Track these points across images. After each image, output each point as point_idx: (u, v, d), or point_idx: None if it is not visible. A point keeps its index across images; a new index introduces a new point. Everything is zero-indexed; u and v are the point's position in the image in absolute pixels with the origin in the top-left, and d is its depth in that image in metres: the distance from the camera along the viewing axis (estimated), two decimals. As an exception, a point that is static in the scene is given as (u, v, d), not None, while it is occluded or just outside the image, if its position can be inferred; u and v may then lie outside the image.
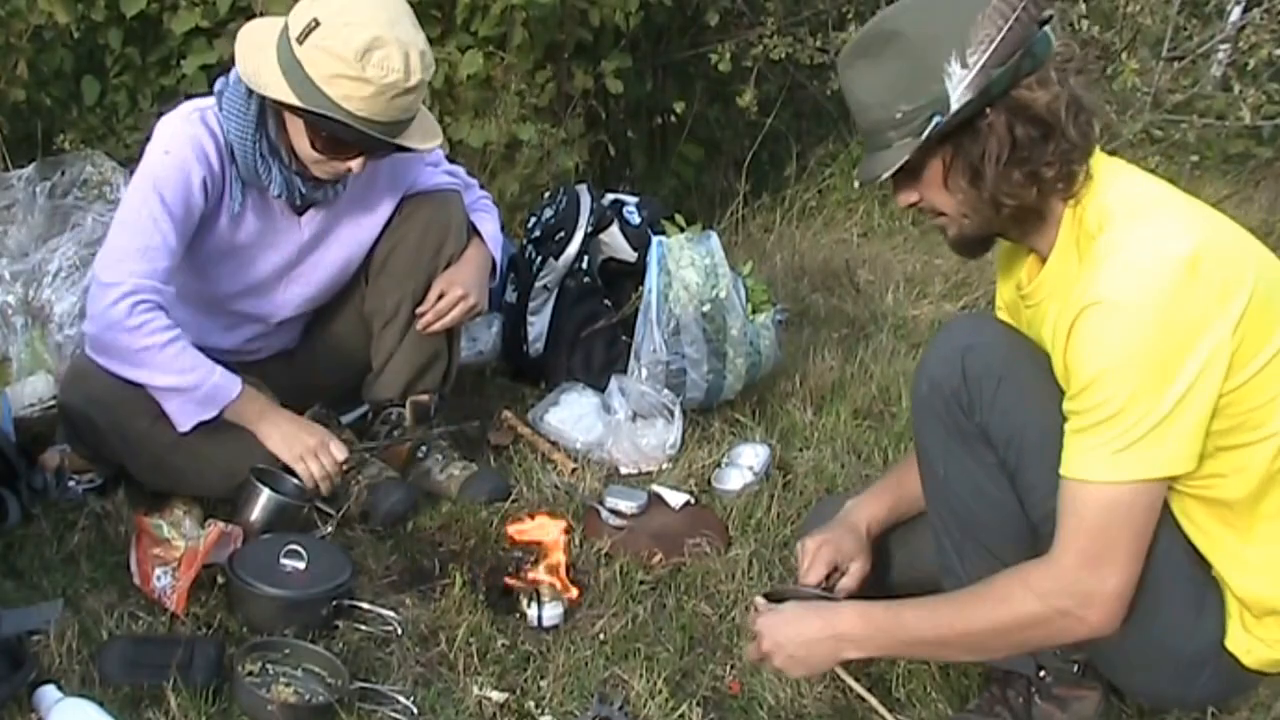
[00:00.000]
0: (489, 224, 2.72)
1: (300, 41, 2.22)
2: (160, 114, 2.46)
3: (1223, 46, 5.25)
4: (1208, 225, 1.77)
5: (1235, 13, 5.31)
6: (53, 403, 2.63)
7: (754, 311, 3.12)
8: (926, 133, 1.72)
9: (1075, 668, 1.95)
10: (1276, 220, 5.02)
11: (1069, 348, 1.72)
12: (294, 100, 2.23)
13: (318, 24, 2.21)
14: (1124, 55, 4.62)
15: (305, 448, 2.37)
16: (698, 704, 2.01)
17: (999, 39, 1.68)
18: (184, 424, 2.30)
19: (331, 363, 2.71)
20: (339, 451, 2.40)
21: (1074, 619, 1.70)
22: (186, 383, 2.28)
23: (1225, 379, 1.66)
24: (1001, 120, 1.72)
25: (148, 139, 2.39)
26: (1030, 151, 1.73)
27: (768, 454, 2.85)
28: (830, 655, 1.87)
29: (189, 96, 2.98)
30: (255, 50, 2.30)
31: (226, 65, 3.16)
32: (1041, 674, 1.98)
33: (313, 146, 2.32)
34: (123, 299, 2.24)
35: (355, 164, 2.35)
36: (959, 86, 1.70)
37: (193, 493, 2.39)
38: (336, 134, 2.27)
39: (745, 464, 2.80)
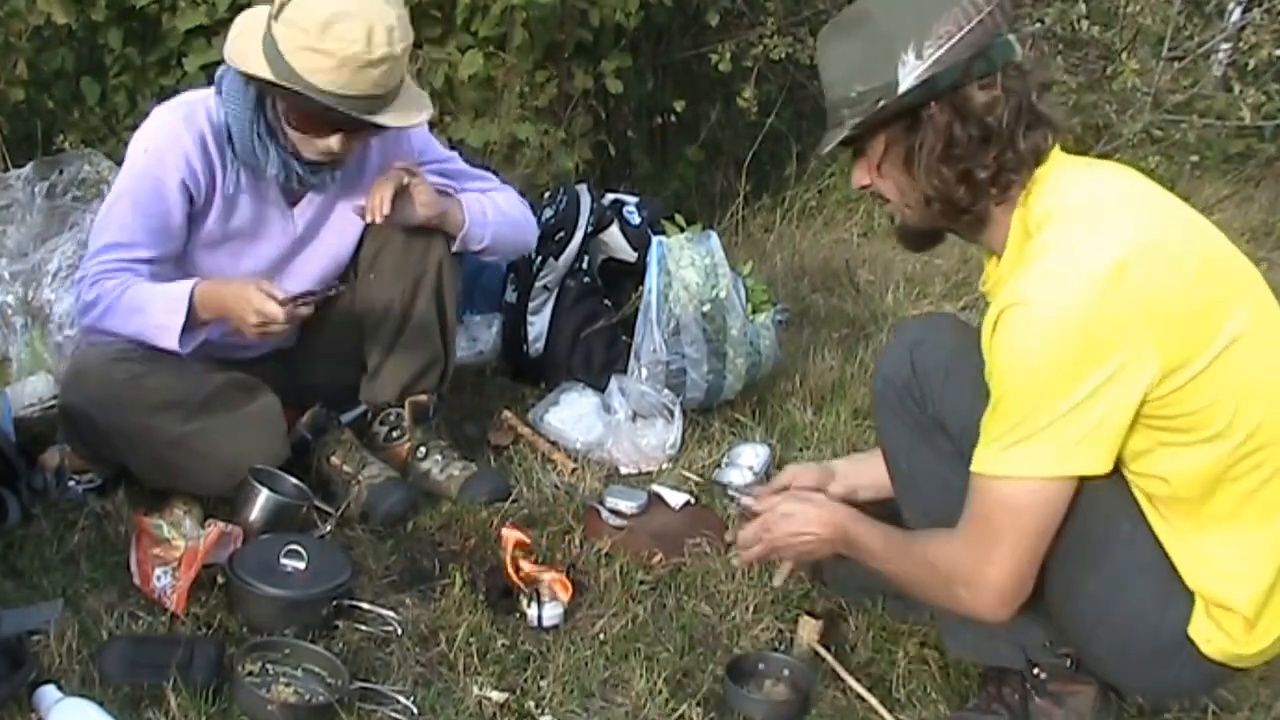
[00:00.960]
0: (488, 197, 2.68)
1: (276, 17, 2.26)
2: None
3: (1223, 46, 5.26)
4: (1150, 230, 1.78)
5: (1235, 13, 5.31)
6: (53, 403, 2.63)
7: (754, 311, 3.12)
8: (869, 114, 1.79)
9: (1068, 662, 1.95)
10: (1276, 220, 5.02)
11: (990, 345, 1.77)
12: (264, 73, 2.26)
13: None
14: (1124, 55, 4.62)
15: (243, 315, 2.28)
16: (698, 704, 2.01)
17: (957, 36, 1.74)
18: (174, 344, 2.30)
19: (327, 362, 2.70)
20: (275, 311, 2.26)
21: (961, 593, 1.81)
22: (146, 314, 2.31)
23: (1159, 383, 1.68)
24: (943, 116, 1.77)
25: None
26: (965, 151, 1.78)
27: (768, 454, 2.85)
28: (809, 540, 2.01)
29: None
30: (245, 33, 2.34)
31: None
32: (1035, 671, 1.98)
33: (288, 123, 2.35)
34: (86, 287, 2.36)
35: (333, 141, 2.34)
36: (909, 75, 1.76)
37: (194, 490, 2.39)
38: (305, 108, 2.29)
39: (745, 464, 2.80)
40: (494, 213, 2.66)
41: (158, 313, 2.31)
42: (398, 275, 2.60)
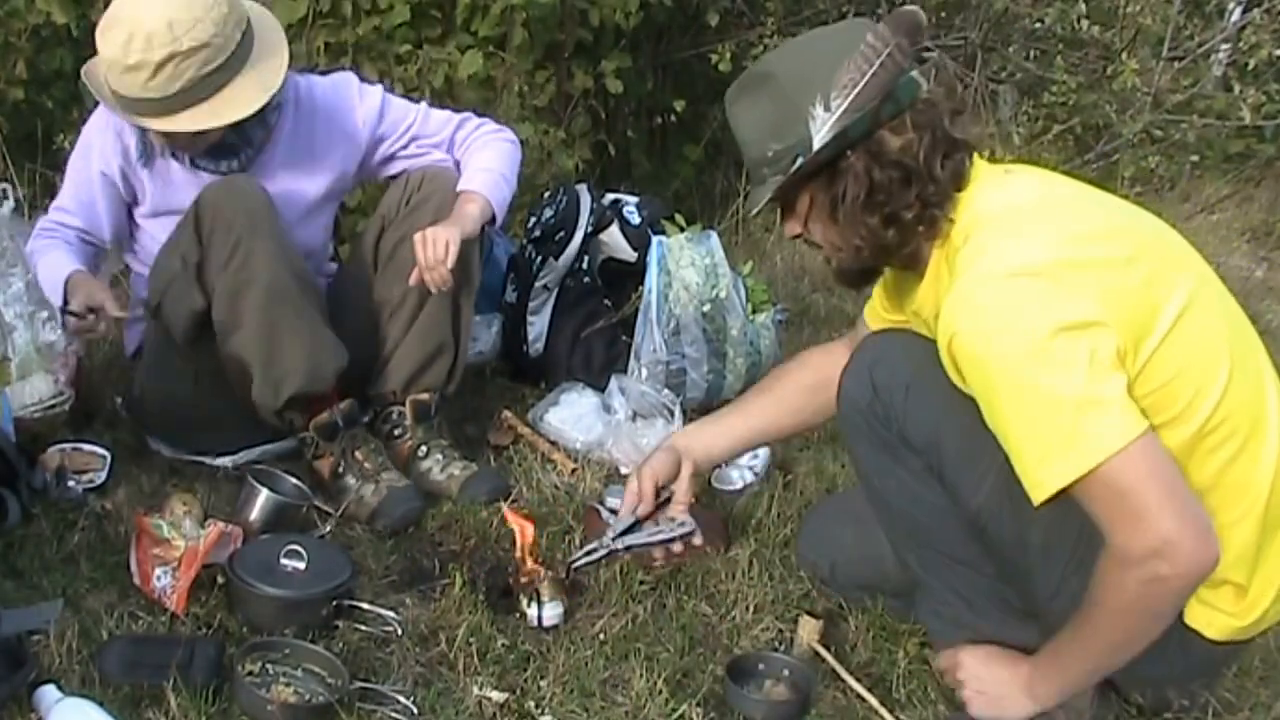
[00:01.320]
0: (484, 160, 2.69)
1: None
2: None
3: (1223, 46, 5.26)
4: (1073, 223, 1.80)
5: (1235, 13, 5.32)
6: (53, 403, 2.63)
7: (754, 311, 3.12)
8: (790, 172, 1.80)
9: None
10: (1276, 220, 5.02)
11: (963, 376, 1.76)
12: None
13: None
14: (1124, 55, 4.62)
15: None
16: (698, 704, 2.01)
17: (862, 84, 1.74)
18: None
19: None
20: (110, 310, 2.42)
21: (1162, 570, 1.65)
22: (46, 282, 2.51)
23: (1129, 356, 1.68)
24: (861, 164, 1.79)
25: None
26: (888, 195, 1.79)
27: (768, 454, 2.85)
28: (1019, 704, 1.90)
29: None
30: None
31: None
32: None
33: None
34: (33, 235, 2.60)
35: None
36: (821, 129, 1.77)
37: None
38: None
39: (745, 464, 2.80)
40: (503, 177, 2.69)
41: (48, 287, 2.50)
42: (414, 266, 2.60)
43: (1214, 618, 1.83)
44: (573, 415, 2.94)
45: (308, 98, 2.64)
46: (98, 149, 2.57)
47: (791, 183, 1.83)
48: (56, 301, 2.46)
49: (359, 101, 2.69)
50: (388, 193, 2.72)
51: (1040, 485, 1.69)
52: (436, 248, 2.46)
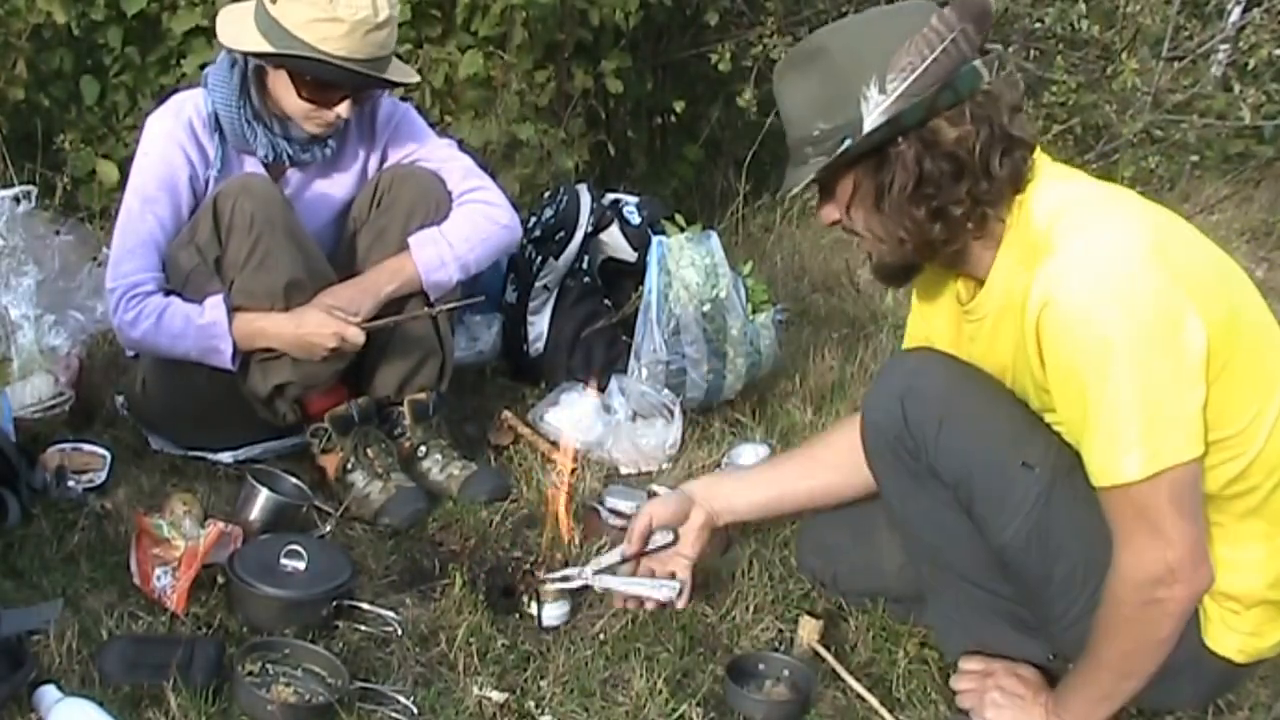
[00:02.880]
0: (451, 229, 2.62)
1: (274, 1, 2.38)
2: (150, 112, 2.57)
3: (1222, 46, 5.25)
4: (1156, 220, 1.77)
5: (1235, 13, 5.31)
6: (53, 403, 2.63)
7: (754, 311, 3.12)
8: (836, 154, 1.72)
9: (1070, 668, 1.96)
10: (1276, 220, 5.02)
11: (1044, 353, 1.70)
12: (269, 48, 2.39)
13: None
14: (1124, 55, 4.62)
15: (321, 343, 2.42)
16: (698, 704, 2.01)
17: (921, 69, 1.67)
18: (227, 365, 2.45)
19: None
20: (355, 335, 2.43)
21: (1167, 597, 1.68)
22: (191, 337, 2.43)
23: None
24: (911, 152, 1.71)
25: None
26: (938, 188, 1.72)
27: (768, 454, 2.84)
28: None
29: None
30: (233, 23, 2.48)
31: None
32: (1050, 656, 2.00)
33: (300, 96, 2.46)
34: (117, 303, 2.47)
35: (343, 108, 2.47)
36: (874, 112, 1.69)
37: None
38: (321, 76, 2.42)
39: (745, 464, 2.80)
40: (456, 260, 2.60)
41: (198, 341, 2.43)
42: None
43: (1245, 642, 1.83)
44: (573, 415, 2.93)
45: None
46: (178, 158, 2.51)
47: (836, 165, 1.74)
48: (226, 347, 2.41)
49: (381, 101, 2.71)
50: (358, 196, 2.70)
51: (1105, 472, 1.68)
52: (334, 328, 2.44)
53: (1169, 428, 1.64)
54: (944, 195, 1.73)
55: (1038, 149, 1.80)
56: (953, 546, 1.96)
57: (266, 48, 2.40)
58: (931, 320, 2.06)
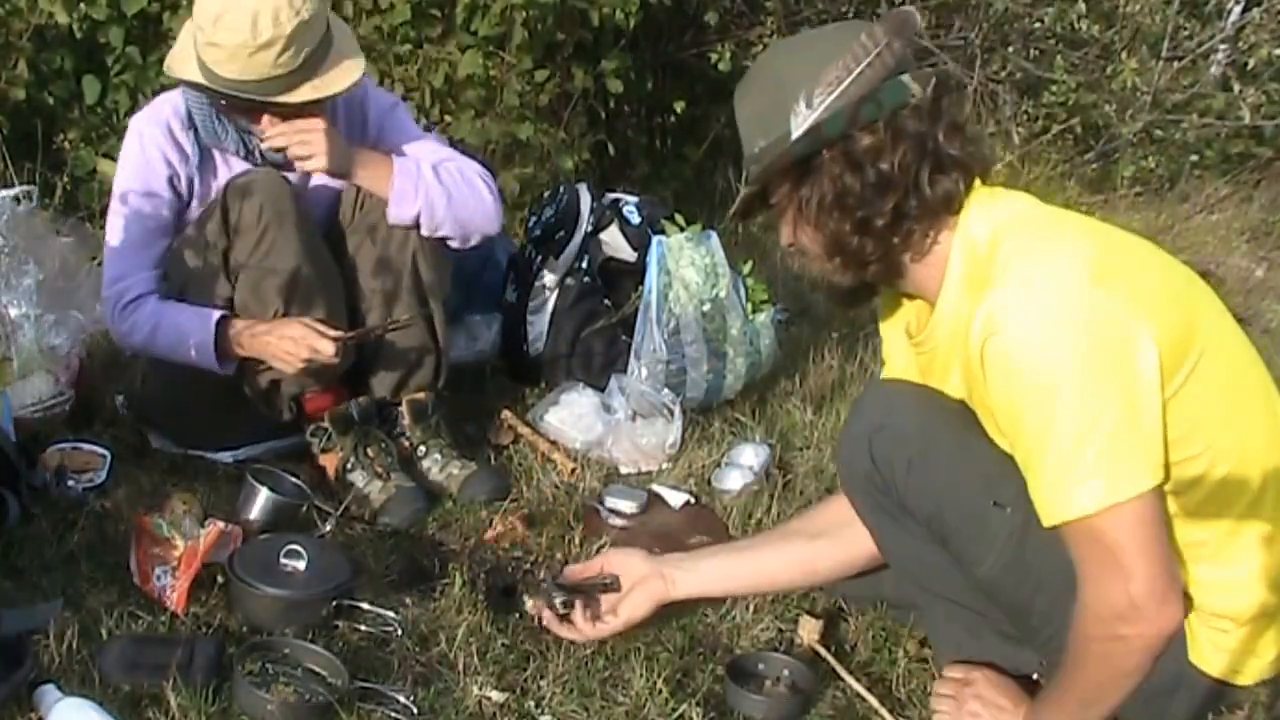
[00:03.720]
0: (429, 174, 2.58)
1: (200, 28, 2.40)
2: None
3: (1222, 46, 5.26)
4: (1100, 241, 1.75)
5: (1235, 12, 5.32)
6: (53, 402, 2.63)
7: (754, 311, 3.12)
8: (765, 168, 1.74)
9: None
10: (1276, 220, 5.02)
11: (989, 385, 1.67)
12: (186, 76, 2.44)
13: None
14: (1124, 55, 4.62)
15: (292, 358, 2.44)
16: (698, 704, 2.01)
17: (846, 82, 1.68)
18: (218, 369, 2.48)
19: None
20: (326, 349, 2.43)
21: (1127, 632, 1.63)
22: (185, 348, 2.47)
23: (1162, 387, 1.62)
24: (834, 165, 1.71)
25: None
26: (859, 199, 1.72)
27: (768, 454, 2.85)
28: None
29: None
30: (180, 44, 2.50)
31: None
32: (1034, 677, 1.99)
33: (227, 114, 2.50)
34: (112, 310, 2.54)
35: (264, 123, 2.46)
36: (800, 125, 1.71)
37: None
38: (227, 100, 2.44)
39: (745, 464, 2.80)
40: (431, 178, 2.57)
41: (190, 348, 2.47)
42: (375, 275, 2.61)
43: (1244, 664, 1.81)
44: (573, 415, 2.93)
45: None
46: (156, 162, 2.54)
47: (767, 178, 1.77)
48: (211, 359, 2.46)
49: (373, 101, 2.72)
50: (344, 194, 2.68)
51: (1053, 511, 1.63)
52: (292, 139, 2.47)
53: (1125, 456, 1.60)
54: (866, 208, 1.72)
55: (978, 175, 1.78)
56: (934, 575, 1.97)
57: (177, 73, 2.46)
58: (892, 352, 2.06)
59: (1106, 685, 1.69)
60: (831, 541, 2.11)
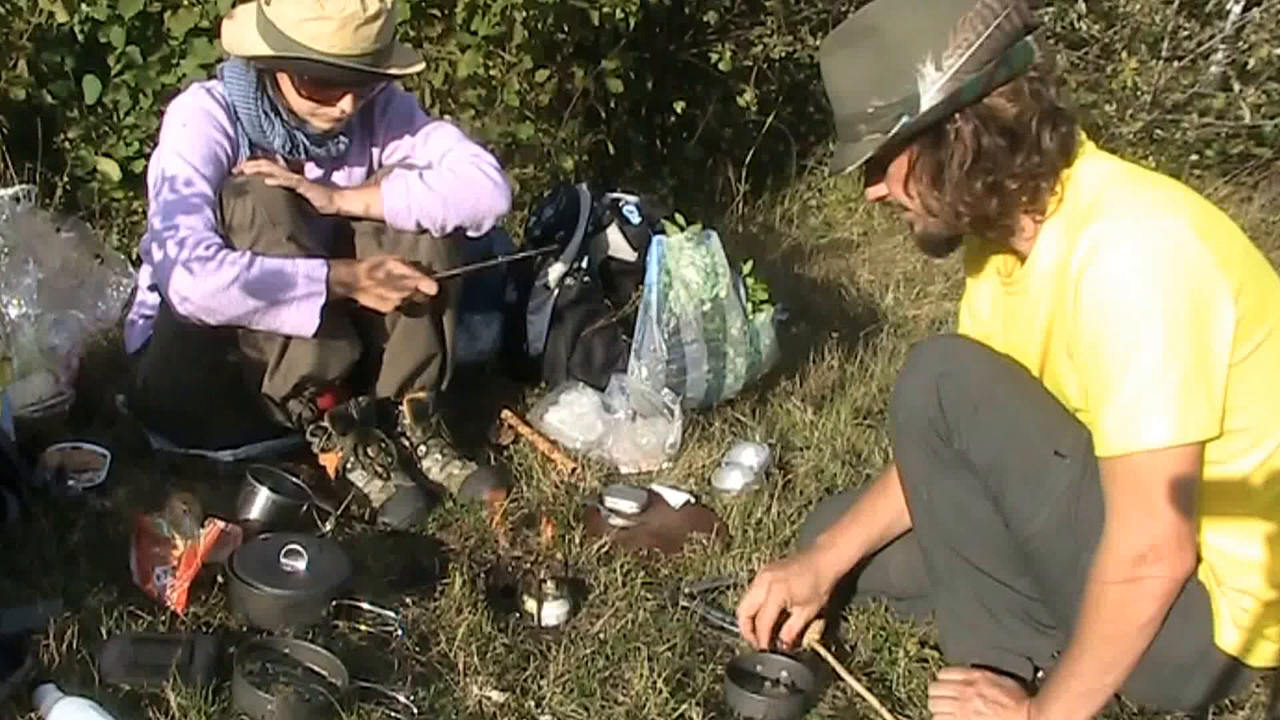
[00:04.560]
0: (433, 180, 2.62)
1: (268, 2, 2.42)
2: (163, 113, 2.57)
3: (1222, 46, 5.26)
4: (1199, 201, 1.80)
5: (1235, 12, 5.31)
6: (53, 402, 2.63)
7: (754, 311, 3.12)
8: (894, 131, 1.73)
9: None
10: (1276, 220, 5.02)
11: (1078, 313, 1.71)
12: (267, 50, 2.42)
13: None
14: (1124, 54, 4.62)
15: (395, 294, 2.51)
16: (698, 704, 2.01)
17: (976, 45, 1.68)
18: (309, 325, 2.45)
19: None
20: (429, 286, 2.53)
21: (1150, 578, 1.69)
22: (282, 286, 2.41)
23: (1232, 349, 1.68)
24: (969, 127, 1.73)
25: (156, 141, 2.57)
26: (995, 162, 1.74)
27: (768, 454, 2.85)
28: None
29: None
30: (235, 26, 2.51)
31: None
32: (1038, 674, 1.99)
33: (300, 94, 2.50)
34: (193, 246, 2.38)
35: (345, 103, 2.51)
36: (931, 89, 1.70)
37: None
38: (317, 75, 2.45)
39: (745, 464, 2.80)
40: (420, 190, 2.59)
41: (296, 286, 2.42)
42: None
43: (1258, 644, 1.83)
44: (573, 415, 2.93)
45: None
46: (212, 125, 2.53)
47: (894, 142, 1.75)
48: (320, 292, 2.43)
49: (391, 99, 2.75)
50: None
51: (1120, 440, 1.69)
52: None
53: (1195, 402, 1.66)
54: (1000, 170, 1.75)
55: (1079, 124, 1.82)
56: (974, 536, 1.96)
57: (264, 50, 2.43)
58: (975, 299, 2.07)
59: (1121, 640, 1.73)
60: None
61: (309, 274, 2.43)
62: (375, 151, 2.75)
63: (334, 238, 2.69)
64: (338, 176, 2.72)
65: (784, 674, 2.10)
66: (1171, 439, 1.66)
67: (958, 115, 1.72)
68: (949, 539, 2.00)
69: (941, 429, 1.92)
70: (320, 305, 2.43)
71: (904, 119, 1.72)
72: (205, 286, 2.37)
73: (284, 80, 2.51)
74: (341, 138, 2.64)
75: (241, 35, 2.48)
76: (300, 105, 2.52)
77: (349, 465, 2.56)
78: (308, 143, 2.60)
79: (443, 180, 2.63)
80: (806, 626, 2.15)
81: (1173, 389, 1.65)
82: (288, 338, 2.48)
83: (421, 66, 2.63)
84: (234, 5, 3.40)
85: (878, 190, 1.86)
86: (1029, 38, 1.73)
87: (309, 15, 2.38)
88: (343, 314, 2.54)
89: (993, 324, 2.01)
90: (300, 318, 2.44)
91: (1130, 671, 1.75)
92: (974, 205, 1.78)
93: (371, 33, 2.41)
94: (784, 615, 2.14)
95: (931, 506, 2.01)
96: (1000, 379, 1.90)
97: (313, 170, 2.68)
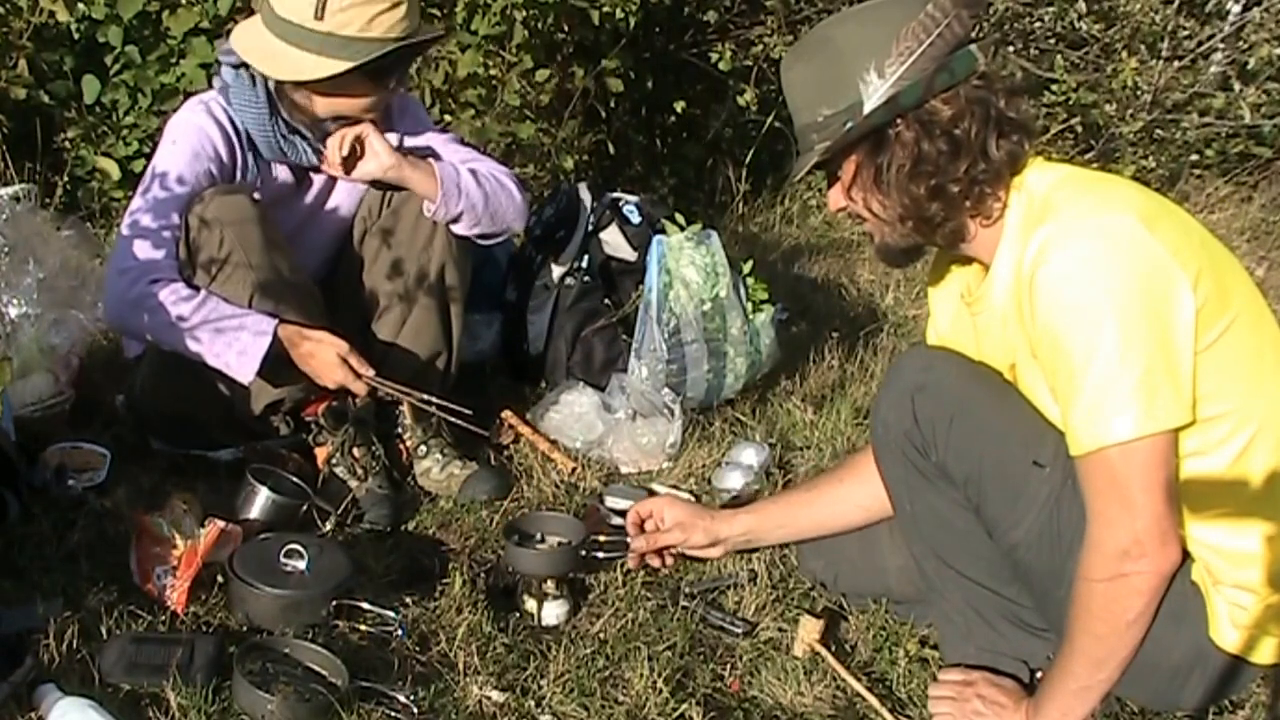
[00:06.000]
0: (466, 172, 2.66)
1: (319, 18, 2.38)
2: (161, 112, 2.56)
3: (1222, 46, 5.26)
4: (1150, 198, 1.81)
5: (1235, 12, 5.31)
6: (53, 401, 2.63)
7: (754, 310, 3.12)
8: (838, 136, 1.78)
9: None
10: (1276, 220, 5.02)
11: (1035, 314, 1.73)
12: (347, 64, 2.39)
13: None
14: (1124, 54, 4.62)
15: (326, 378, 2.47)
16: (698, 704, 2.01)
17: (918, 53, 1.74)
18: (248, 371, 2.40)
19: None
20: (359, 389, 2.49)
21: (1136, 575, 1.71)
22: (229, 336, 2.39)
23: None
24: (910, 132, 1.77)
25: (155, 141, 2.59)
26: (935, 166, 1.78)
27: (768, 454, 2.85)
28: None
29: (189, 95, 2.99)
30: (269, 56, 2.44)
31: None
32: (1036, 674, 1.99)
33: (342, 95, 2.48)
34: (139, 281, 2.40)
35: (371, 101, 2.52)
36: (873, 95, 1.76)
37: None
38: (384, 64, 2.44)
39: (745, 464, 2.80)
40: (471, 182, 2.64)
41: (238, 341, 2.39)
42: (400, 267, 2.63)
43: (1260, 642, 1.83)
44: (573, 415, 2.93)
45: None
46: (201, 146, 2.51)
47: (838, 147, 1.81)
48: (265, 342, 2.39)
49: (405, 102, 2.78)
50: (367, 195, 2.73)
51: (1091, 435, 1.70)
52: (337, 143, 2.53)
53: (1160, 390, 1.67)
54: (941, 174, 1.78)
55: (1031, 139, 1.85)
56: (959, 546, 1.97)
57: (341, 65, 2.40)
58: (938, 319, 2.10)
59: (1112, 638, 1.74)
60: (857, 485, 2.19)
61: (256, 328, 2.40)
62: None
63: (337, 239, 2.70)
64: (339, 182, 2.72)
65: (559, 529, 2.33)
66: (1140, 430, 1.67)
67: (899, 120, 1.77)
68: (935, 549, 2.02)
69: (919, 442, 1.93)
70: (260, 358, 2.40)
71: (849, 124, 1.78)
72: (130, 316, 2.43)
73: (313, 93, 2.48)
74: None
75: (299, 66, 2.42)
76: (327, 109, 2.50)
77: (334, 461, 2.56)
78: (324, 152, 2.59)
79: (487, 182, 2.67)
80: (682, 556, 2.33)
81: (1134, 380, 1.66)
82: None
83: (441, 30, 2.68)
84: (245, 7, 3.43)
85: (835, 198, 1.92)
86: (972, 47, 1.77)
87: (380, 8, 2.38)
88: (322, 321, 2.53)
89: (962, 344, 2.03)
90: (241, 366, 2.41)
91: (1124, 666, 1.76)
92: (915, 208, 1.82)
93: (393, 19, 2.42)
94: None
95: (915, 517, 2.02)
96: (977, 390, 1.90)
97: (316, 181, 2.68)
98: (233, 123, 2.55)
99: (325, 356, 2.45)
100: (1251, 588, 1.81)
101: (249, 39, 2.48)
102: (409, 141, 2.74)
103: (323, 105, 2.51)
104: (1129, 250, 1.68)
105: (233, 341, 2.39)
